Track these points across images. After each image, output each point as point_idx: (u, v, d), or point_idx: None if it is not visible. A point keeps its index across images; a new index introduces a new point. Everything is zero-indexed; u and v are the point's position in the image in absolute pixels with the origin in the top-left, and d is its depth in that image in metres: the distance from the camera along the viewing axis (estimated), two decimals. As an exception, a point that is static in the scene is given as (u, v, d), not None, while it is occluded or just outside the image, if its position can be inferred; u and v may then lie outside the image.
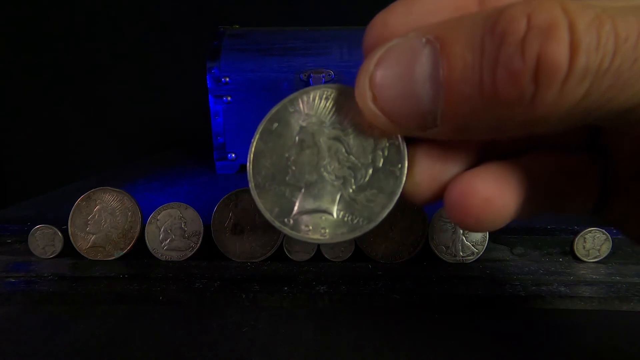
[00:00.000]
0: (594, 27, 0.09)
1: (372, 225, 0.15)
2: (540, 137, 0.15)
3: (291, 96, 0.16)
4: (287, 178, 0.15)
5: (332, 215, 0.15)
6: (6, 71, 0.90)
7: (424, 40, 0.11)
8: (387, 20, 0.13)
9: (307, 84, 0.58)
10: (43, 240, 0.32)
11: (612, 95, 0.09)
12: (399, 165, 0.14)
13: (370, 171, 0.15)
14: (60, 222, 0.32)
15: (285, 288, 0.29)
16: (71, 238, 0.32)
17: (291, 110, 0.16)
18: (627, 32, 0.09)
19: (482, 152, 0.15)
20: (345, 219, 0.15)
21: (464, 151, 0.14)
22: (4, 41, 0.89)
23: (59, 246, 0.32)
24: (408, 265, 0.31)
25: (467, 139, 0.13)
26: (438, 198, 0.15)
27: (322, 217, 0.15)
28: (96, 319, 0.27)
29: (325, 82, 0.58)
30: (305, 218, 0.15)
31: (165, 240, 0.32)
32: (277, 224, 0.15)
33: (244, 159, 0.62)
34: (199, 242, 0.32)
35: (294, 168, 0.15)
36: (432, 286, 0.28)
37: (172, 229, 0.32)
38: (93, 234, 0.32)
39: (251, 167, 0.15)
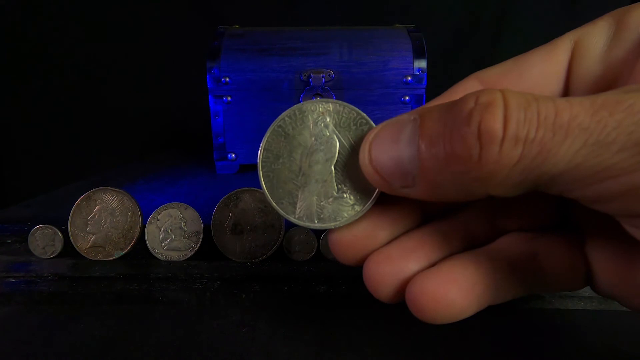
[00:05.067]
0: (522, 106, 0.12)
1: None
2: (510, 215, 0.18)
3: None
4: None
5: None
6: (6, 71, 0.90)
7: (412, 117, 0.14)
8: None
9: (307, 83, 0.58)
10: (43, 240, 0.32)
11: (541, 161, 0.12)
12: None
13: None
14: (60, 222, 0.32)
15: (285, 288, 0.29)
16: (71, 238, 0.32)
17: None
18: (546, 112, 0.12)
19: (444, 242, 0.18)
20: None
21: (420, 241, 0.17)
22: (3, 41, 0.89)
23: (59, 246, 0.32)
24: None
25: (438, 199, 0.15)
26: (359, 261, 0.18)
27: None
28: (96, 319, 0.27)
29: (325, 82, 0.58)
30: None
31: (165, 240, 0.32)
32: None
33: (244, 159, 0.62)
34: (199, 242, 0.32)
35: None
36: (432, 286, 0.28)
37: (172, 229, 0.32)
38: (93, 234, 0.32)
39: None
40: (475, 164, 0.13)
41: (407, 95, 0.59)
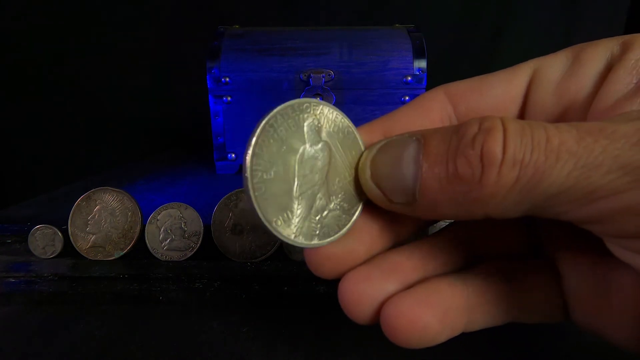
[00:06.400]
0: (518, 132, 0.13)
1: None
2: (487, 243, 0.19)
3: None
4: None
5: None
6: (6, 71, 0.90)
7: (414, 137, 0.15)
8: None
9: (307, 83, 0.58)
10: (43, 240, 0.32)
11: (536, 182, 0.13)
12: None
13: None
14: (60, 222, 0.32)
15: (285, 288, 0.29)
16: (71, 238, 0.32)
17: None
18: (539, 138, 0.13)
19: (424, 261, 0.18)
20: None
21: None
22: (3, 41, 0.89)
23: (59, 246, 0.32)
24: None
25: (435, 218, 0.16)
26: (336, 275, 0.18)
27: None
28: (96, 319, 0.27)
29: (325, 82, 0.58)
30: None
31: (165, 240, 0.32)
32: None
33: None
34: (199, 242, 0.32)
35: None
36: (432, 286, 0.28)
37: (172, 229, 0.32)
38: (93, 234, 0.32)
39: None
40: (477, 184, 0.13)
41: (407, 95, 0.59)
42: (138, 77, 0.92)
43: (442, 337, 0.16)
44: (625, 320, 0.16)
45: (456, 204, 0.14)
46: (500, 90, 0.18)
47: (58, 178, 0.60)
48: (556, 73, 0.18)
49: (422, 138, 0.15)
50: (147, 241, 0.32)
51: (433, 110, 0.19)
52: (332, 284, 0.29)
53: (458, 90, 0.19)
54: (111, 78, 0.92)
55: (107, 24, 0.91)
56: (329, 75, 0.59)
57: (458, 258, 0.19)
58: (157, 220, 0.32)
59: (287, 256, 0.32)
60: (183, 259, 0.32)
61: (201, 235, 0.32)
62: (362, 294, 0.17)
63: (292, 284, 0.29)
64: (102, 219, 0.32)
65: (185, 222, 0.32)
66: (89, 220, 0.32)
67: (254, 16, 0.90)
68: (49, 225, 0.32)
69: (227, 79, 0.59)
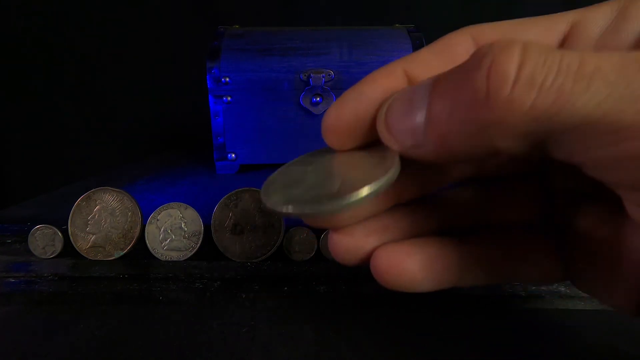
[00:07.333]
0: (543, 52, 0.11)
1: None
2: (496, 207, 0.19)
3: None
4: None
5: None
6: (6, 71, 0.90)
7: (429, 81, 0.14)
8: (339, 112, 0.17)
9: (307, 83, 0.58)
10: (43, 240, 0.32)
11: (557, 110, 0.11)
12: None
13: None
14: (60, 222, 0.32)
15: (285, 288, 0.29)
16: (71, 238, 0.32)
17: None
18: (569, 61, 0.11)
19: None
20: None
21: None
22: (3, 41, 0.89)
23: (59, 246, 0.32)
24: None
25: (447, 158, 0.15)
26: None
27: None
28: (96, 319, 0.27)
29: (325, 82, 0.58)
30: None
31: (165, 240, 0.32)
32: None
33: (244, 159, 0.62)
34: (199, 242, 0.32)
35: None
36: (432, 286, 0.28)
37: (172, 229, 0.32)
38: (93, 234, 0.32)
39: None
40: (483, 105, 0.12)
41: (407, 95, 0.59)
42: (138, 77, 0.92)
43: (426, 286, 0.17)
44: (633, 287, 0.15)
45: (465, 136, 0.13)
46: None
47: (58, 178, 0.60)
48: (596, 29, 0.16)
49: (434, 78, 0.14)
50: (147, 241, 0.32)
51: (457, 53, 0.17)
52: (333, 284, 0.29)
53: (487, 35, 0.17)
54: (111, 78, 0.92)
55: (107, 25, 0.91)
56: (329, 75, 0.59)
57: (456, 222, 0.19)
58: (157, 220, 0.32)
59: (287, 256, 0.32)
60: (183, 259, 0.32)
61: (201, 235, 0.32)
62: (342, 247, 0.18)
63: (292, 284, 0.29)
64: (102, 219, 0.32)
65: (185, 222, 0.32)
66: (89, 220, 0.32)
67: (254, 16, 0.90)
68: (49, 225, 0.32)
69: (227, 79, 0.59)
